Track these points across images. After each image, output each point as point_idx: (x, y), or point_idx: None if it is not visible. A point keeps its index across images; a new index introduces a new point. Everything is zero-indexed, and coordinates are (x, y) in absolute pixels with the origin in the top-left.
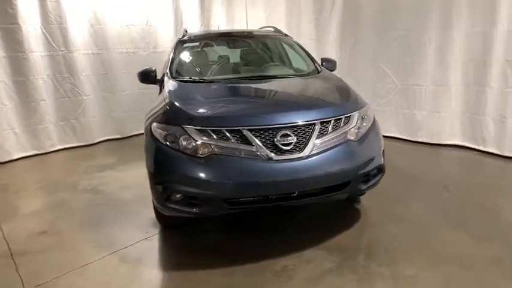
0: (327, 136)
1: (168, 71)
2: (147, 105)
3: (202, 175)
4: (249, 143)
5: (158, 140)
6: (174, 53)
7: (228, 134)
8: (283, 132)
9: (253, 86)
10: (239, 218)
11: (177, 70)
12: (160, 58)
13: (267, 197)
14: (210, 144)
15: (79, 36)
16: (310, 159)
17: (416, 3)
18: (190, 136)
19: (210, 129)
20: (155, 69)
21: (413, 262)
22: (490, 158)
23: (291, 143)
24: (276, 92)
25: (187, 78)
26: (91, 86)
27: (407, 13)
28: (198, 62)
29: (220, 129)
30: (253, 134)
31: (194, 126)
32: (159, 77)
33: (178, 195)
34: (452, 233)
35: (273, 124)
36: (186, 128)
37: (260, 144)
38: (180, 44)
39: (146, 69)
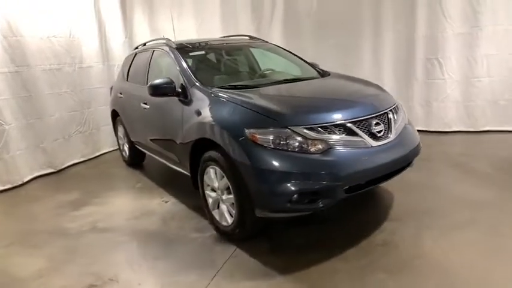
0: (397, 121)
1: (194, 81)
2: (82, 129)
3: (324, 169)
4: (354, 134)
5: (262, 146)
6: (184, 62)
7: (334, 128)
8: (375, 121)
9: (310, 86)
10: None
11: (204, 79)
12: (88, 75)
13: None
14: (321, 140)
15: None
16: (396, 141)
17: (349, 14)
18: (301, 135)
19: (318, 126)
20: (172, 80)
21: (463, 212)
22: (421, 134)
23: (382, 130)
24: (337, 89)
25: (225, 85)
26: (12, 112)
27: (343, 22)
28: (220, 69)
29: (326, 125)
30: (355, 126)
31: (302, 125)
32: None
33: (296, 195)
34: (460, 187)
35: (367, 115)
36: (294, 129)
37: (363, 133)
38: (181, 53)
39: (162, 80)
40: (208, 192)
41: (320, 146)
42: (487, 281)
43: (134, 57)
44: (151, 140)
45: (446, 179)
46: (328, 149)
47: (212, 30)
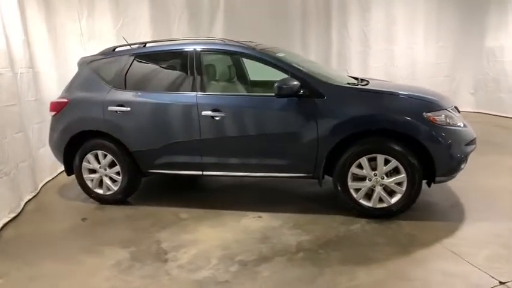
0: None
1: (321, 79)
2: (5, 169)
3: (470, 137)
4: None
5: (440, 125)
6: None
7: (455, 109)
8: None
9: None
10: None
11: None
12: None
13: None
14: (459, 117)
15: None
16: None
17: (283, 33)
18: (453, 114)
19: (451, 109)
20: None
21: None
22: None
23: None
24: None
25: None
26: None
27: (279, 37)
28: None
29: (453, 107)
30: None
31: (449, 107)
32: None
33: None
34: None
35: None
36: (449, 110)
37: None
38: (256, 53)
39: (291, 80)
40: (353, 183)
41: (460, 121)
42: None
43: (133, 61)
44: (219, 155)
45: None
46: (462, 123)
47: (142, 33)
